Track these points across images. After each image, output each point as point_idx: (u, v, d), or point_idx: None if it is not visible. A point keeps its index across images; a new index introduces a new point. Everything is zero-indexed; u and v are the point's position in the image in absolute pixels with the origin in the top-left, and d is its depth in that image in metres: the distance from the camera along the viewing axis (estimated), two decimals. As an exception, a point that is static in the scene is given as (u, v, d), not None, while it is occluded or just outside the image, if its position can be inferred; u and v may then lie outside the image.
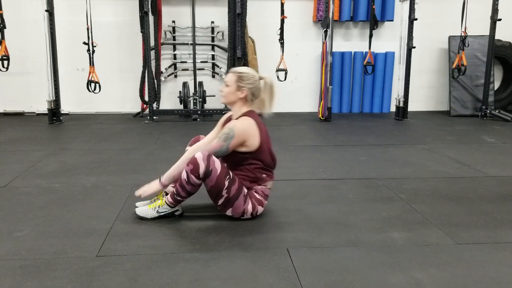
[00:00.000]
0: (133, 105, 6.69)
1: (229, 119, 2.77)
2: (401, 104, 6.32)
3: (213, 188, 2.47)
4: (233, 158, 2.62)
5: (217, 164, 2.45)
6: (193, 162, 2.43)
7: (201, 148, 2.58)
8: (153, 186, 2.63)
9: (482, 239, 2.41)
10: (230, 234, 2.44)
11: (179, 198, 2.56)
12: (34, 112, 6.57)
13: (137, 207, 2.72)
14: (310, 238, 2.40)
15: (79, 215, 2.70)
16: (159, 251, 2.23)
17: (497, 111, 6.34)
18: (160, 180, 2.63)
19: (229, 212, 2.57)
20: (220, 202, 2.53)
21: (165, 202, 2.60)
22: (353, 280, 1.97)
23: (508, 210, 2.84)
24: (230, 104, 2.68)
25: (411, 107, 6.53)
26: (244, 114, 2.62)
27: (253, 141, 2.57)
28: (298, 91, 6.93)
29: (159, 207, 2.61)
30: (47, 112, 5.92)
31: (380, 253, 2.23)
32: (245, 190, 2.58)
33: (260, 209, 2.64)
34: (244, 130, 2.54)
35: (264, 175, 2.65)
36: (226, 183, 2.47)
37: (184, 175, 2.47)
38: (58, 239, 2.36)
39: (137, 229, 2.50)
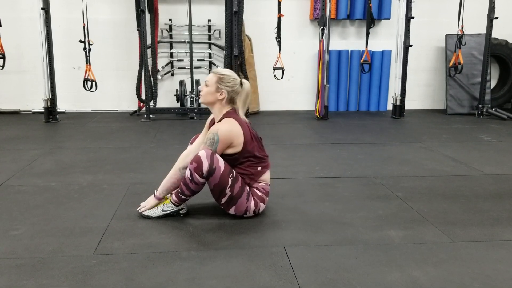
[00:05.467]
0: (130, 104, 6.67)
1: (213, 121, 2.71)
2: (398, 103, 6.32)
3: (217, 187, 2.45)
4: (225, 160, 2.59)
5: (220, 162, 2.44)
6: (197, 160, 2.40)
7: (191, 154, 2.55)
8: (150, 201, 2.65)
9: (478, 237, 2.42)
10: (227, 233, 2.44)
11: (183, 197, 2.55)
12: (30, 111, 6.54)
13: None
14: (307, 236, 2.40)
15: (76, 214, 2.69)
16: (156, 250, 2.23)
17: (493, 109, 6.36)
18: (155, 194, 2.64)
19: (232, 211, 2.56)
20: (223, 200, 2.51)
21: (170, 200, 2.61)
22: (350, 278, 1.97)
23: (504, 208, 2.85)
24: (208, 105, 2.63)
25: (407, 106, 6.54)
26: (225, 115, 2.58)
27: (239, 141, 2.53)
28: (295, 89, 6.93)
29: (164, 205, 2.61)
30: (43, 110, 5.90)
31: (377, 251, 2.24)
32: (247, 188, 2.58)
33: (262, 206, 2.63)
34: (228, 132, 2.50)
35: (259, 168, 2.61)
36: (230, 181, 2.46)
37: (188, 174, 2.45)
38: (54, 238, 2.36)
39: (134, 227, 2.50)
